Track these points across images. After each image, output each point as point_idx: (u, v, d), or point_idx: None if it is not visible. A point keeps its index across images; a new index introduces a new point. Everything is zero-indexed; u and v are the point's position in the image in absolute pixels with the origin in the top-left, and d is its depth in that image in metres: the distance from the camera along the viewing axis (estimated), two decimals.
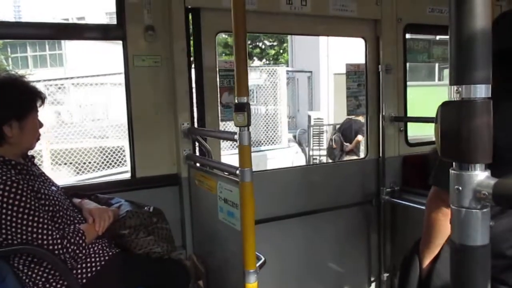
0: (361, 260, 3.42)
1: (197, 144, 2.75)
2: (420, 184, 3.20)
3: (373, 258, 3.42)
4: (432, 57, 3.92)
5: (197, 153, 2.77)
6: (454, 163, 0.74)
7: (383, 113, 3.25)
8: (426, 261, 1.56)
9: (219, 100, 2.77)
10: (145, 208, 2.30)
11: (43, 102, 2.06)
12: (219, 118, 2.79)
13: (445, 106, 0.74)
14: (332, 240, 3.26)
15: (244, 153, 1.89)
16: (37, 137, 2.06)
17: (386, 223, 3.33)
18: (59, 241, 1.86)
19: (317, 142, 10.39)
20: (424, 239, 1.59)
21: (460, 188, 0.73)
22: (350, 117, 6.62)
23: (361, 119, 6.50)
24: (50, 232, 1.84)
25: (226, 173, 2.21)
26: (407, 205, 3.15)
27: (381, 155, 3.29)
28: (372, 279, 3.46)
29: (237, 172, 1.93)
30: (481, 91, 0.70)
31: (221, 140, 2.88)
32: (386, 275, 3.37)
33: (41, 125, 2.07)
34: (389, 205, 3.30)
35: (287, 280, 3.10)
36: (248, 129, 1.89)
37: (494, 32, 1.75)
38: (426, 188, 3.10)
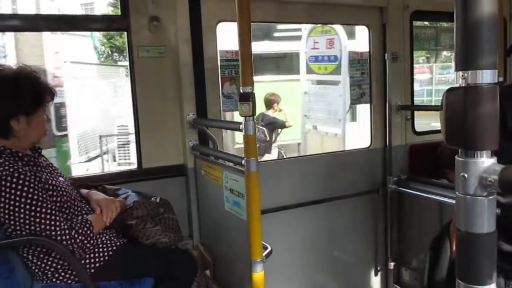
0: (368, 249, 3.42)
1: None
2: (427, 173, 3.19)
3: (380, 247, 3.42)
4: (440, 45, 3.89)
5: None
6: (459, 150, 0.73)
7: (389, 102, 3.23)
8: None
9: (220, 90, 2.76)
10: (152, 198, 2.31)
11: (52, 98, 2.07)
12: (221, 109, 2.78)
13: (451, 92, 0.73)
14: (338, 230, 3.26)
15: (250, 143, 1.89)
16: (44, 132, 2.07)
17: (392, 212, 3.32)
18: (67, 231, 1.87)
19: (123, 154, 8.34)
20: (456, 222, 1.61)
21: (466, 175, 0.72)
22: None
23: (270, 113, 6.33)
24: (58, 223, 1.86)
25: (232, 163, 2.21)
26: (414, 194, 3.13)
27: (387, 144, 3.27)
28: (379, 268, 3.46)
29: (243, 162, 1.93)
30: (487, 76, 0.69)
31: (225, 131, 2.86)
32: (392, 263, 3.37)
33: (48, 119, 2.08)
34: (396, 194, 3.29)
35: (293, 269, 3.11)
36: (253, 119, 1.89)
37: None
38: (433, 176, 3.11)
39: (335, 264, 3.31)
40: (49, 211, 1.85)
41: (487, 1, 0.68)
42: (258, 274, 1.95)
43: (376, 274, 3.47)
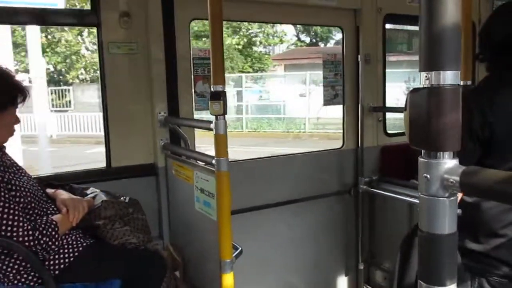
0: (338, 249, 3.45)
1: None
2: (398, 174, 3.24)
3: (351, 247, 3.45)
4: (411, 48, 3.95)
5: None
6: (422, 151, 0.73)
7: (362, 103, 3.26)
8: None
9: (193, 89, 2.73)
10: (121, 198, 2.27)
11: (24, 99, 2.00)
12: (193, 108, 2.75)
13: (414, 93, 0.73)
14: (309, 230, 3.27)
15: (220, 142, 1.88)
16: (11, 133, 2.01)
17: (364, 212, 3.36)
18: (30, 232, 1.81)
19: None
20: None
21: (428, 176, 0.72)
22: None
23: None
24: (21, 224, 1.80)
25: (202, 163, 2.19)
26: (385, 195, 3.17)
27: (359, 145, 3.30)
28: (349, 268, 3.49)
29: (213, 161, 1.91)
30: (450, 77, 0.69)
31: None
32: (363, 264, 3.41)
33: (17, 121, 2.01)
34: (367, 195, 3.33)
35: (264, 270, 3.10)
36: (224, 118, 1.87)
37: (497, 21, 1.78)
38: (404, 177, 3.15)
39: (306, 264, 3.32)
40: (11, 211, 1.79)
41: (451, 5, 0.69)
42: (228, 275, 1.93)
43: (346, 274, 3.50)
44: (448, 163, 0.71)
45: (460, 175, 0.69)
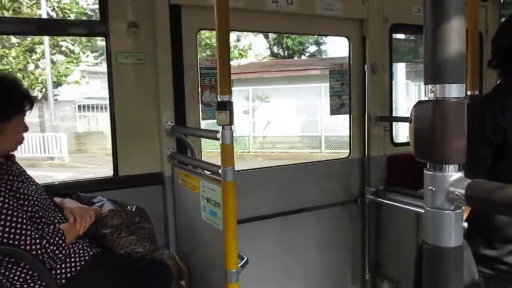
0: (345, 260, 3.42)
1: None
2: (405, 184, 3.22)
3: (357, 257, 3.43)
4: (418, 57, 3.94)
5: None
6: (428, 164, 0.73)
7: (369, 113, 3.25)
8: None
9: (200, 98, 2.75)
10: (128, 207, 2.28)
11: (31, 107, 2.02)
12: (200, 117, 2.76)
13: (419, 106, 0.73)
14: (316, 240, 3.26)
15: (226, 152, 1.88)
16: (19, 141, 2.02)
17: (370, 222, 3.34)
18: (37, 241, 1.83)
19: None
20: None
21: (434, 188, 0.72)
22: None
23: None
24: (28, 233, 1.81)
25: (209, 172, 2.20)
26: (391, 205, 3.15)
27: (366, 154, 3.30)
28: (356, 278, 3.46)
29: (219, 171, 1.91)
30: (455, 90, 0.69)
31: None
32: (369, 274, 3.38)
33: (26, 129, 2.02)
34: (374, 205, 3.31)
35: (269, 280, 3.09)
36: (231, 127, 1.88)
37: (508, 27, 1.79)
38: (411, 187, 3.14)
39: (312, 274, 3.30)
40: (19, 220, 1.81)
41: (456, 18, 0.69)
42: (234, 285, 1.93)
43: (353, 284, 3.48)
44: (453, 175, 0.71)
45: (466, 188, 0.69)
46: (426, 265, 0.74)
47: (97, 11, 2.58)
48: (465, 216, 1.52)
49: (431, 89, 0.71)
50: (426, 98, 0.73)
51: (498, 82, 1.76)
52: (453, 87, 0.70)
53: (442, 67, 0.70)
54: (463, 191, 0.69)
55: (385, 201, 3.21)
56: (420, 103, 0.73)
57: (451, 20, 0.69)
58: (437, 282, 0.72)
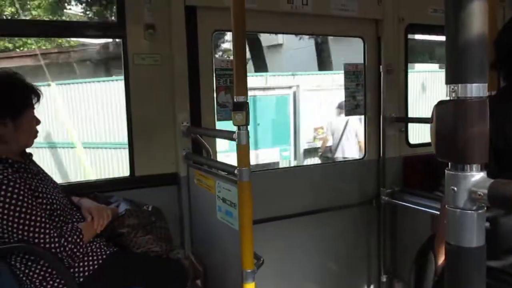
0: (361, 261, 3.41)
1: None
2: (421, 185, 3.19)
3: (373, 259, 3.41)
4: (434, 58, 3.91)
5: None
6: (449, 163, 0.73)
7: (384, 114, 3.23)
8: (442, 258, 1.57)
9: (215, 99, 2.76)
10: (144, 207, 2.30)
11: (38, 99, 2.04)
12: (215, 118, 2.77)
13: (440, 106, 0.73)
14: (331, 241, 3.25)
15: (242, 152, 1.89)
16: (34, 134, 2.05)
17: (386, 224, 3.32)
18: (56, 239, 1.85)
19: None
20: (440, 236, 1.59)
21: (456, 188, 0.71)
22: None
23: None
24: (47, 231, 1.84)
25: (224, 173, 2.20)
26: (407, 206, 3.13)
27: (381, 155, 3.28)
28: (372, 280, 3.44)
29: (235, 171, 1.92)
30: (477, 90, 0.69)
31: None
32: (385, 276, 3.36)
33: (38, 122, 2.05)
34: (389, 206, 3.29)
35: (285, 281, 3.09)
36: (247, 128, 1.88)
37: (507, 29, 1.74)
38: (427, 189, 3.11)
39: (328, 275, 3.29)
40: (38, 218, 1.83)
41: (477, 15, 0.68)
42: (250, 285, 1.93)
43: (368, 286, 3.46)
44: (476, 175, 0.71)
45: (488, 188, 0.68)
46: (448, 266, 0.74)
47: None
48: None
49: (452, 89, 0.70)
50: (448, 98, 0.72)
51: (502, 86, 1.71)
52: (475, 87, 0.69)
53: (464, 66, 0.69)
54: (485, 191, 0.69)
55: (400, 202, 3.19)
56: (441, 103, 0.73)
57: (472, 19, 0.68)
58: (460, 283, 0.72)
